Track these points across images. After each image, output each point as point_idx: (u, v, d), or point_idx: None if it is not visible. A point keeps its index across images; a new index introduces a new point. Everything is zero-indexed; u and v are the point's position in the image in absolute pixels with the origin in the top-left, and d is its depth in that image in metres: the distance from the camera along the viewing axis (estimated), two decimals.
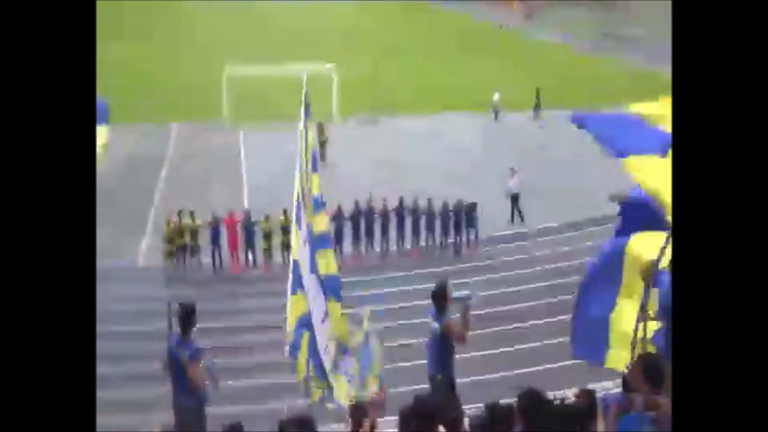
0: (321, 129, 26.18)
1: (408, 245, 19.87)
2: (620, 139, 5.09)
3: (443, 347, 8.85)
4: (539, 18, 63.82)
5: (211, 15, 62.39)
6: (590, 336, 6.11)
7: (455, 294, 8.62)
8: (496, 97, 33.55)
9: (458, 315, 8.59)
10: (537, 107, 33.52)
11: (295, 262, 8.16)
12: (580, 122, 5.66)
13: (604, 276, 6.00)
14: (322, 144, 26.03)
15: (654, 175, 4.55)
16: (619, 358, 5.75)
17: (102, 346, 10.77)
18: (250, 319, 15.67)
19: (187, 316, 8.04)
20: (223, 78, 31.18)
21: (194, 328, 8.08)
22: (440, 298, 8.85)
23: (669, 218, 3.51)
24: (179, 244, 18.56)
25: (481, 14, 64.93)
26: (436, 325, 8.82)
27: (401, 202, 19.78)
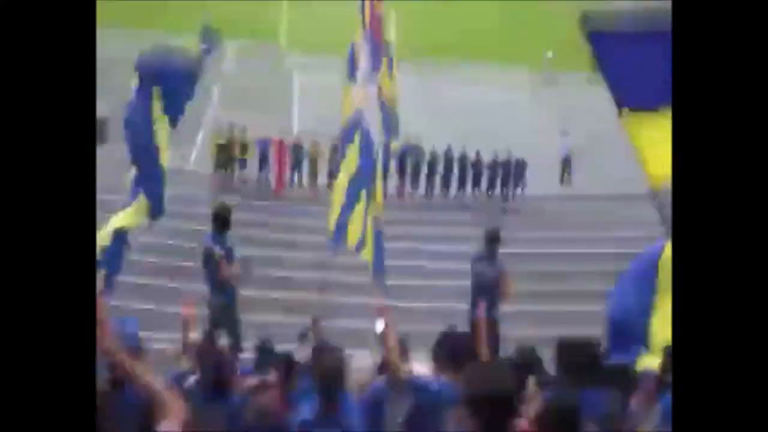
0: None
1: (453, 194, 19.71)
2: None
3: (496, 291, 8.98)
4: None
5: None
6: (625, 337, 5.85)
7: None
8: (549, 54, 32.42)
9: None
10: None
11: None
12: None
13: (641, 280, 5.58)
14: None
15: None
16: (652, 361, 5.33)
17: (148, 239, 10.88)
18: (289, 235, 15.74)
19: (224, 216, 8.09)
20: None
21: (229, 230, 8.14)
22: (494, 241, 9.01)
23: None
24: (228, 155, 18.64)
25: None
26: (490, 269, 8.96)
27: (449, 149, 19.53)
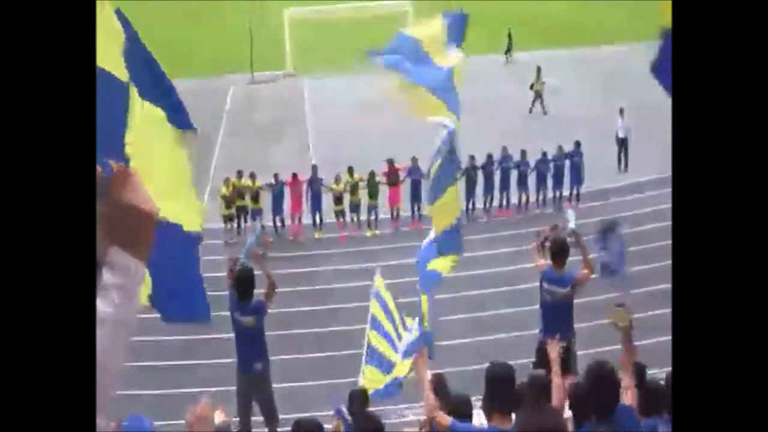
0: (539, 73, 23.00)
1: (496, 203, 17.60)
2: None
3: (570, 310, 7.98)
4: None
5: None
6: None
7: (570, 225, 7.80)
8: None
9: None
10: (508, 50, 29.16)
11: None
12: None
13: None
14: (539, 93, 23.00)
15: None
16: None
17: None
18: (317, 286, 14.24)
19: (246, 281, 7.46)
20: (285, 22, 28.93)
21: (253, 293, 7.60)
22: (561, 254, 7.78)
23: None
24: (239, 206, 17.04)
25: None
26: (562, 289, 7.81)
27: (490, 157, 17.36)
